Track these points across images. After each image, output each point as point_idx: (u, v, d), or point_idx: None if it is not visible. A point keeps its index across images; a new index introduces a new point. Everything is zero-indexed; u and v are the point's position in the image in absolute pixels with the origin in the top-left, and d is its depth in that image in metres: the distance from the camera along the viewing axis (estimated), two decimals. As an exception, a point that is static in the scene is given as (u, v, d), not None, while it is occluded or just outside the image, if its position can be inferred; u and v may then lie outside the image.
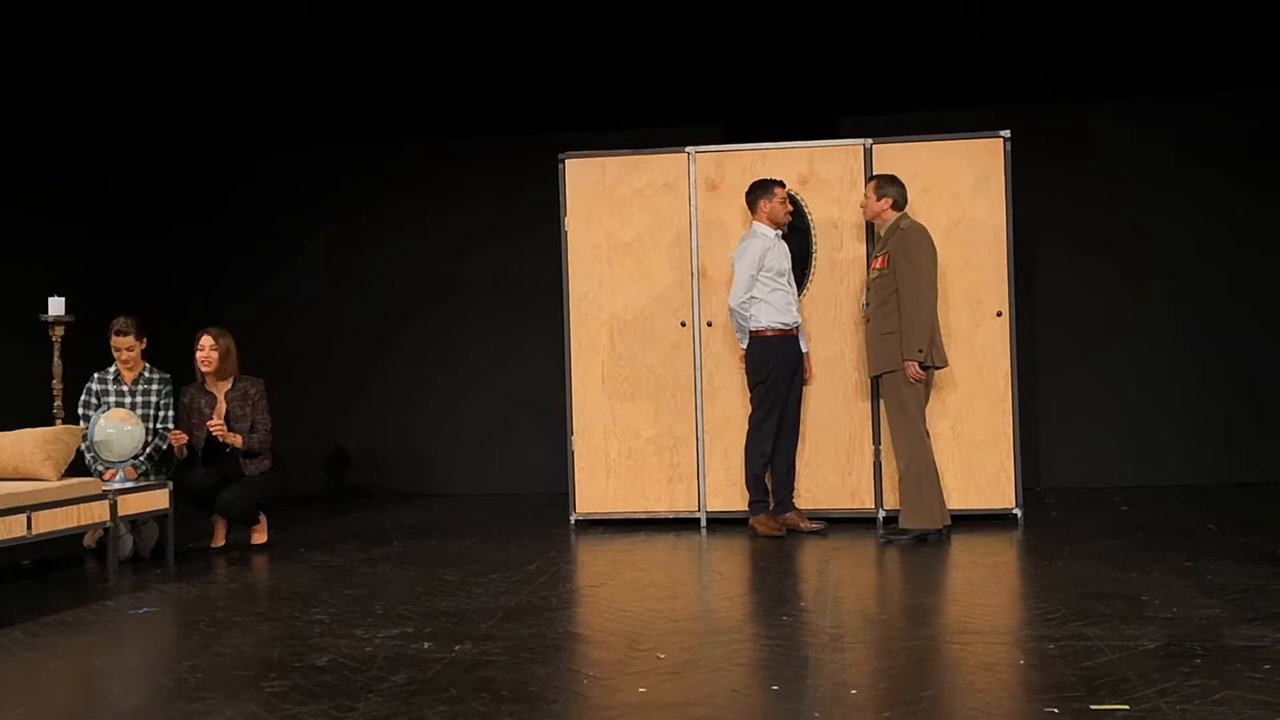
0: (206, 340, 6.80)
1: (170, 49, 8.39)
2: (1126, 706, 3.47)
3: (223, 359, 6.80)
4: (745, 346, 6.92)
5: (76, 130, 8.23)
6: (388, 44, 8.59)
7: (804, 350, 7.00)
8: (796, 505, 7.00)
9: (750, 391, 6.92)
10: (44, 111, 7.94)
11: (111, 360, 6.74)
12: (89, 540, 6.72)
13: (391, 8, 8.15)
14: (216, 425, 6.67)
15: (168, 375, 6.86)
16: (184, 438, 6.70)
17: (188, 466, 6.80)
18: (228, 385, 6.86)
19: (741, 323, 6.84)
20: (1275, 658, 3.93)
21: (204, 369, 6.79)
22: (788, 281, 6.88)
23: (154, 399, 6.76)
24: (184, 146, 9.21)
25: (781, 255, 6.87)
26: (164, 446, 6.75)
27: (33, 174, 7.82)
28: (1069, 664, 3.94)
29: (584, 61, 8.64)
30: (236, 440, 6.74)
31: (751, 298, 6.76)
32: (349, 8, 8.14)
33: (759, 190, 6.91)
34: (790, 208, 6.97)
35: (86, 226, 8.13)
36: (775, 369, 6.80)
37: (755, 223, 6.91)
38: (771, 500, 6.89)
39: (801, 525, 6.85)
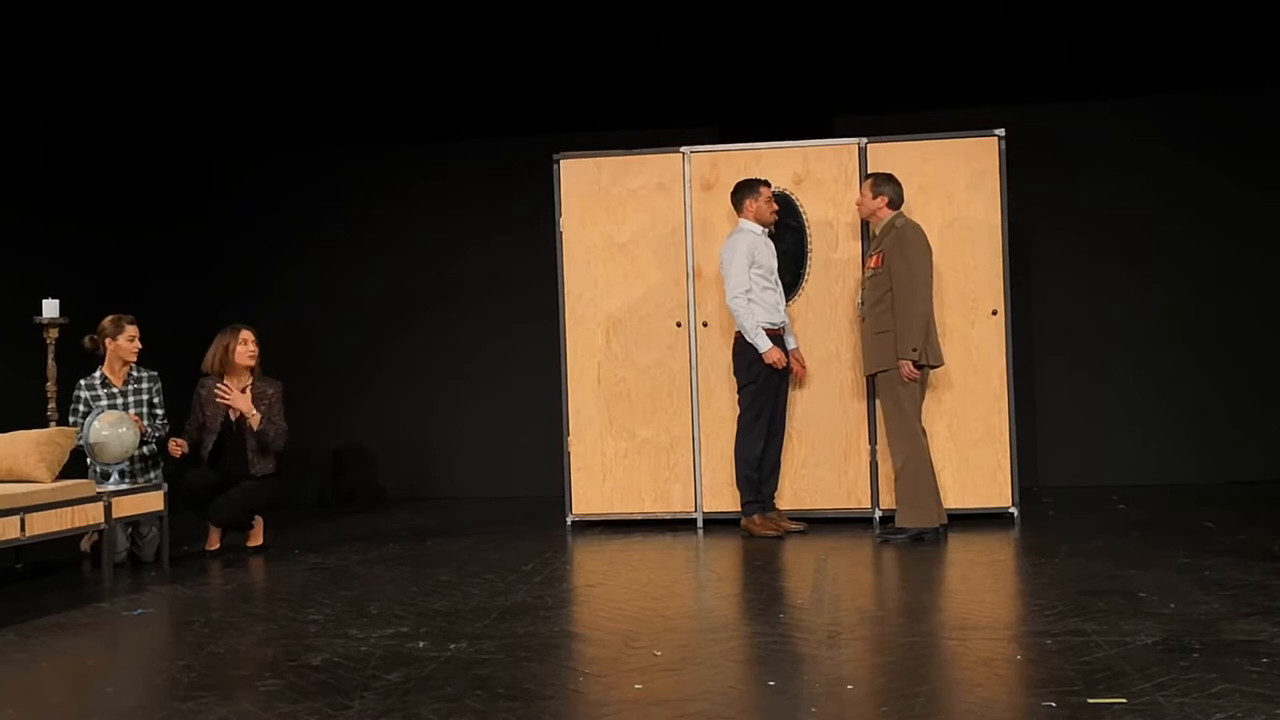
0: (249, 335, 6.89)
1: (168, 56, 8.39)
2: (1124, 700, 3.46)
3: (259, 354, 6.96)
4: (752, 336, 6.69)
5: (75, 137, 8.22)
6: (383, 49, 8.58)
7: (791, 347, 6.98)
8: (777, 506, 7.01)
9: (739, 392, 6.89)
10: (41, 118, 7.92)
11: (95, 366, 6.73)
12: (85, 544, 6.70)
13: (386, 13, 8.15)
14: (232, 395, 6.70)
15: (155, 372, 6.86)
16: (182, 449, 6.72)
17: (187, 463, 6.81)
18: (248, 382, 6.89)
19: (745, 320, 6.68)
20: (1272, 652, 3.92)
21: (249, 362, 6.87)
22: (775, 280, 6.87)
23: (145, 396, 6.78)
24: (182, 153, 9.21)
25: (769, 253, 6.86)
26: (160, 435, 6.77)
27: (30, 180, 7.81)
28: (1067, 659, 3.93)
29: (579, 62, 8.64)
30: (256, 418, 6.75)
31: (748, 292, 6.71)
32: (345, 14, 8.14)
33: (744, 190, 6.89)
34: (776, 207, 6.95)
35: (86, 231, 8.13)
36: (766, 369, 6.77)
37: (742, 220, 6.90)
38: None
39: (784, 525, 6.84)
